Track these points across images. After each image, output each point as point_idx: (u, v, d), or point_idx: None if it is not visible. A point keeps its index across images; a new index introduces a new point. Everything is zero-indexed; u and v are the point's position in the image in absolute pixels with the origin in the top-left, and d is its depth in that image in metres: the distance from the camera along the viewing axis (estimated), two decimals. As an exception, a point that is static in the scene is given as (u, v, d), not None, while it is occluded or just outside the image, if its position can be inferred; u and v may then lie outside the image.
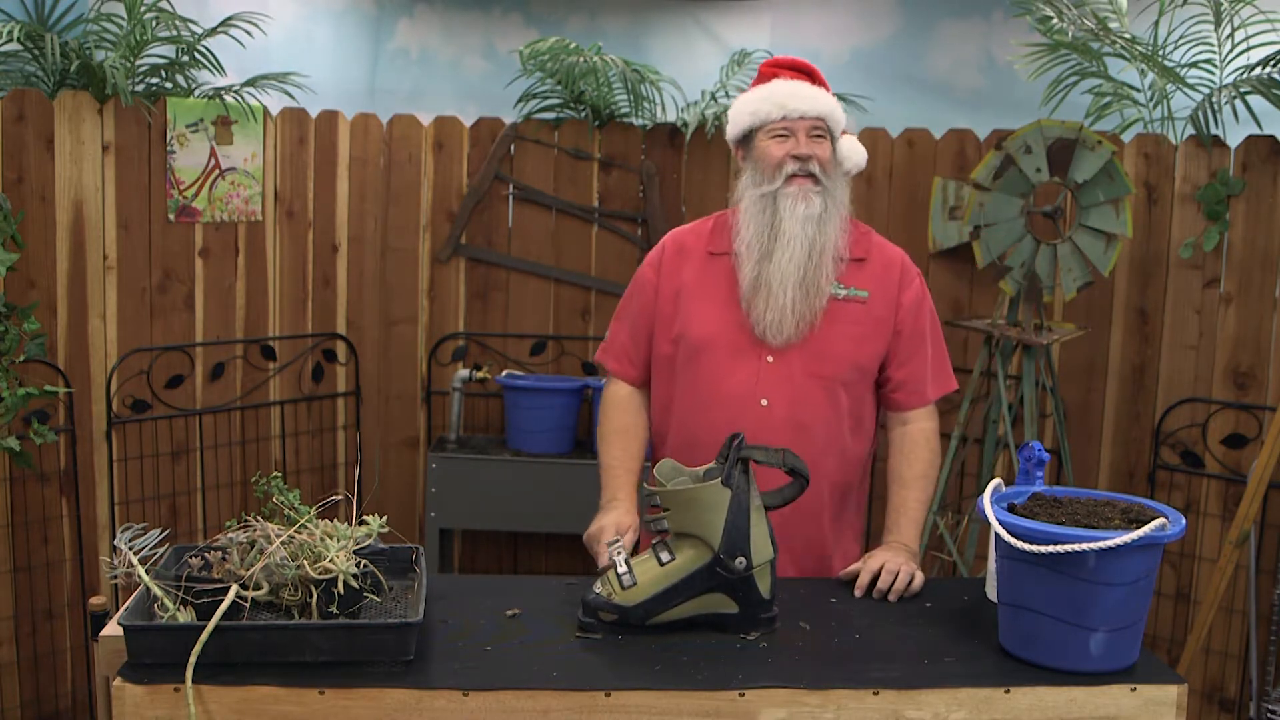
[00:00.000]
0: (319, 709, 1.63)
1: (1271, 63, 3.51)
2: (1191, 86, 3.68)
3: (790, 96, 2.29)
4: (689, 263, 2.39)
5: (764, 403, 2.27)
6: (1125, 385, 3.81)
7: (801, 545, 2.31)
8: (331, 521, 1.81)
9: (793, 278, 2.25)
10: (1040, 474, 2.05)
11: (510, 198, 4.16)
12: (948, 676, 1.73)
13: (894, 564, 2.10)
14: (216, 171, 3.74)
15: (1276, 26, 3.53)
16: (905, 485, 2.32)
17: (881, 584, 2.08)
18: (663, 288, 2.40)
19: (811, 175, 2.27)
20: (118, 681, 1.63)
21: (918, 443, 2.35)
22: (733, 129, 2.38)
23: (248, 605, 1.71)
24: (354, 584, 1.73)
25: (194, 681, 1.61)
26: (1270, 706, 3.28)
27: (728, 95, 4.15)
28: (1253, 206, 3.57)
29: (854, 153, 2.45)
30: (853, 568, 2.15)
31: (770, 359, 2.29)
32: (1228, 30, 3.61)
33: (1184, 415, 3.69)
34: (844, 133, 2.39)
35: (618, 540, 2.02)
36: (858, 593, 2.08)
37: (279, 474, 1.90)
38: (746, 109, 2.34)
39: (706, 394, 2.30)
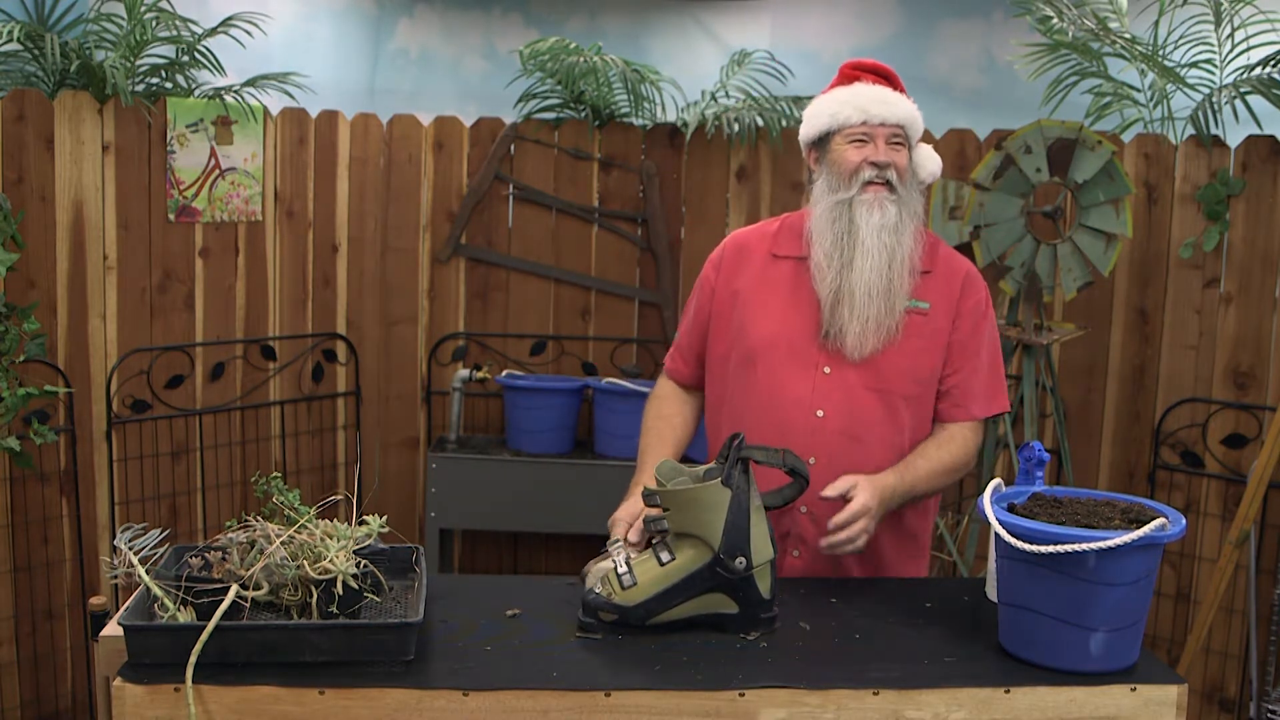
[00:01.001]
0: (319, 709, 1.63)
1: (1271, 63, 3.51)
2: (1191, 86, 3.68)
3: (873, 101, 2.21)
4: (749, 264, 2.33)
5: (819, 414, 2.22)
6: (1125, 385, 3.81)
7: (854, 559, 2.25)
8: (331, 521, 1.81)
9: (878, 287, 2.18)
10: (1040, 474, 2.05)
11: (510, 198, 4.16)
12: (948, 676, 1.73)
13: (870, 521, 2.05)
14: (216, 171, 3.74)
15: (1276, 26, 3.53)
16: (925, 457, 2.23)
17: (849, 534, 2.03)
18: (720, 289, 2.35)
19: (888, 183, 2.21)
20: (118, 681, 1.63)
21: (955, 438, 2.27)
22: (807, 130, 2.30)
23: (248, 605, 1.71)
24: (354, 584, 1.73)
25: (194, 681, 1.61)
26: (1270, 706, 3.28)
27: (728, 95, 4.15)
28: (1253, 206, 3.57)
29: (929, 160, 2.33)
30: (841, 486, 2.08)
31: (827, 369, 2.23)
32: (1228, 30, 3.62)
33: (1184, 415, 3.69)
34: (920, 140, 2.31)
35: (618, 540, 2.01)
36: (830, 524, 2.04)
37: (279, 474, 1.90)
38: (825, 110, 2.25)
39: (760, 401, 2.25)
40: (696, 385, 2.44)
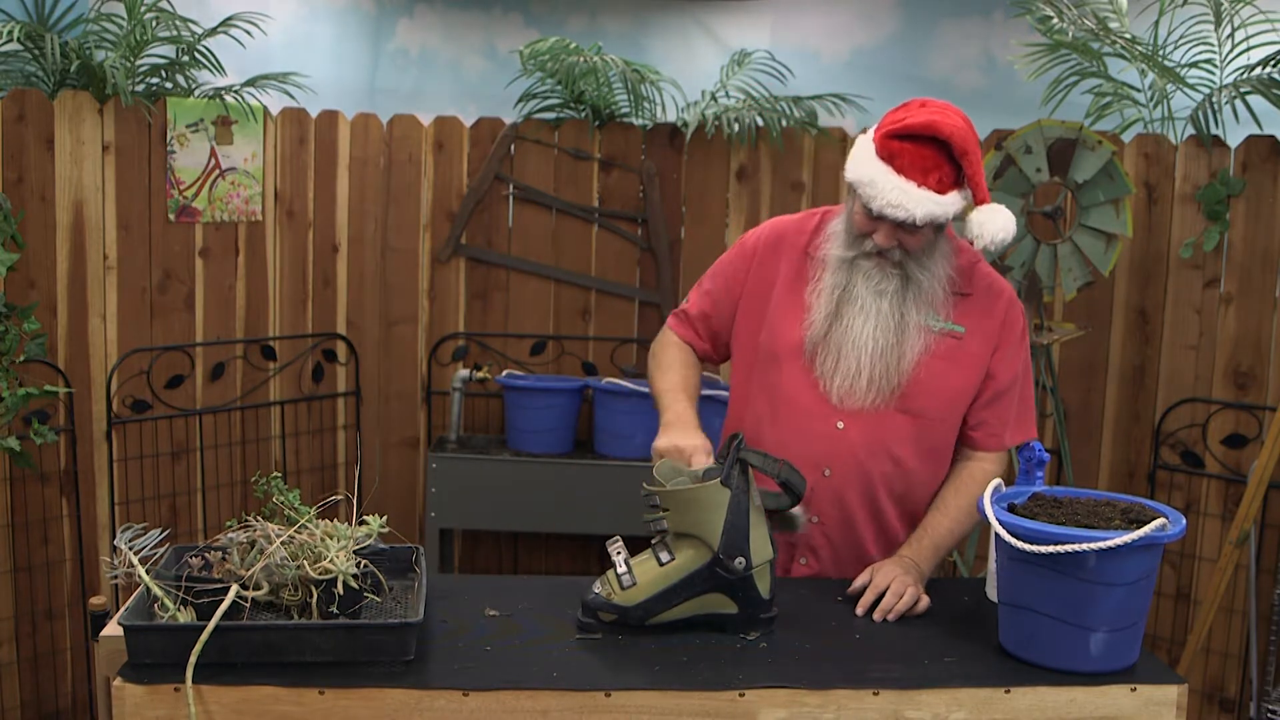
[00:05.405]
0: (319, 709, 1.63)
1: (1271, 63, 3.51)
2: (1191, 86, 3.68)
3: (885, 200, 2.04)
4: (784, 259, 2.27)
5: (840, 425, 2.18)
6: (1125, 385, 3.81)
7: (857, 560, 2.20)
8: (331, 521, 1.81)
9: (867, 347, 2.14)
10: (1040, 474, 2.05)
11: (510, 198, 4.16)
12: (948, 676, 1.73)
13: (900, 584, 2.00)
14: (217, 171, 3.74)
15: (1276, 26, 3.53)
16: (942, 511, 2.21)
17: (884, 605, 1.98)
18: (753, 278, 2.29)
19: (893, 259, 2.13)
20: (118, 681, 1.63)
21: (974, 478, 2.22)
22: (847, 173, 2.17)
23: (248, 605, 1.71)
24: (354, 584, 1.73)
25: (194, 681, 1.61)
26: (1270, 706, 3.28)
27: (728, 95, 4.15)
28: (1253, 206, 3.57)
29: (989, 224, 2.07)
30: (860, 581, 2.06)
31: None
32: (1228, 30, 3.62)
33: (1184, 415, 3.69)
34: (982, 203, 2.07)
35: (617, 539, 2.01)
36: (859, 610, 1.99)
37: (279, 474, 1.90)
38: (854, 169, 2.10)
39: (780, 405, 2.21)
40: (704, 356, 2.39)
